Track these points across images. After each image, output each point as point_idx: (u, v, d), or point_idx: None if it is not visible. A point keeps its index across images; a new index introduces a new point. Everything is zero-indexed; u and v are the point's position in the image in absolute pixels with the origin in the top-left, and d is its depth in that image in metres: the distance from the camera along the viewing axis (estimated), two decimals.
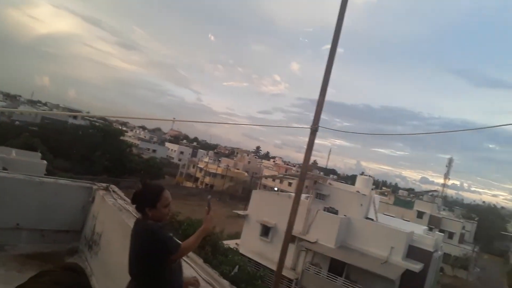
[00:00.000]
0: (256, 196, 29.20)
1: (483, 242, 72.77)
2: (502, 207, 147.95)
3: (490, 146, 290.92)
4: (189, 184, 70.20)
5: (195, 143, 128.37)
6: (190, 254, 3.45)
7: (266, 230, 27.37)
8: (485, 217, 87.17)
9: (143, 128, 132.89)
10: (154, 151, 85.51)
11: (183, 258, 3.36)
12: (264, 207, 27.15)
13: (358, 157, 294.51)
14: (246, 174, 78.58)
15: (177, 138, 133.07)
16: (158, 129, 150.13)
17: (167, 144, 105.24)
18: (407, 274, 23.27)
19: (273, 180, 55.70)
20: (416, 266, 23.49)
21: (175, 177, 73.95)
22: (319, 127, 4.80)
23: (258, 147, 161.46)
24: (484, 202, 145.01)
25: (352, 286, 22.53)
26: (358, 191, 29.18)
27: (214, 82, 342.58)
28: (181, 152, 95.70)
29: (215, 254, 14.77)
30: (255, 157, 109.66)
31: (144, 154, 67.86)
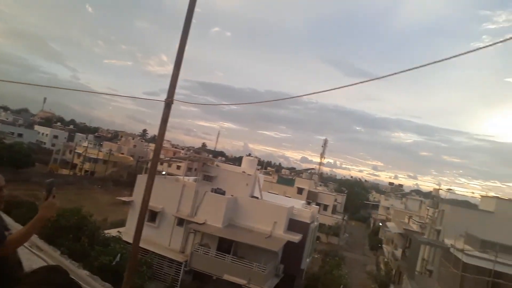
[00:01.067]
0: (142, 181, 27.89)
1: (351, 211, 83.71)
2: (366, 180, 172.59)
3: (357, 128, 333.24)
4: (65, 171, 63.54)
5: (71, 126, 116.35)
6: (44, 246, 3.02)
7: (153, 215, 26.51)
8: (353, 190, 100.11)
9: (5, 108, 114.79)
10: (19, 135, 74.69)
11: (32, 251, 2.92)
12: (152, 192, 26.13)
13: (245, 139, 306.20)
14: (131, 158, 74.74)
15: (49, 121, 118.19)
16: (25, 110, 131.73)
17: (37, 127, 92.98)
18: (289, 245, 25.31)
19: (161, 163, 53.97)
20: (296, 237, 25.67)
21: (47, 165, 66.08)
22: (174, 101, 4.67)
23: (144, 130, 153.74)
24: (352, 177, 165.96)
25: (239, 262, 23.49)
26: (244, 172, 30.23)
27: (93, 59, 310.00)
28: (55, 136, 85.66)
29: (93, 245, 13.65)
30: (142, 141, 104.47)
31: (6, 139, 58.62)
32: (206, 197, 25.96)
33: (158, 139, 4.74)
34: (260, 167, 58.60)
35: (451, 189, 39.08)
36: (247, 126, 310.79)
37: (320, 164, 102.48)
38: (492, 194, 37.56)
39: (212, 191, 27.14)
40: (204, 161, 32.42)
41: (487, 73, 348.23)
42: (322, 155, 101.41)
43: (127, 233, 24.83)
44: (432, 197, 44.92)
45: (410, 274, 24.51)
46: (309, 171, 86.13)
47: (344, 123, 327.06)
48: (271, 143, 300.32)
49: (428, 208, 36.90)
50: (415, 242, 25.96)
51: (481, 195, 32.85)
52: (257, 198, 29.13)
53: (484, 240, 20.14)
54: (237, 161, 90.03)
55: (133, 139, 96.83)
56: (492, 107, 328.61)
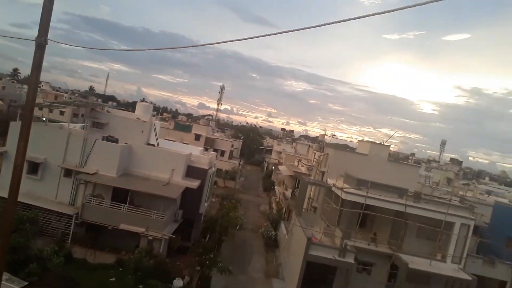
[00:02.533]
0: (17, 128, 24.44)
1: (247, 156, 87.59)
2: (261, 127, 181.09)
3: (253, 75, 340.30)
4: None
5: None
6: None
7: (34, 167, 23.89)
8: (248, 136, 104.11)
9: None
10: None
11: None
12: (31, 141, 23.16)
13: (139, 83, 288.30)
14: (1, 102, 64.57)
15: None
16: None
17: None
18: (187, 191, 25.58)
19: (40, 108, 47.71)
20: (194, 183, 26.02)
21: None
22: (49, 40, 3.88)
23: (16, 69, 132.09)
24: (247, 123, 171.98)
25: (136, 211, 23.02)
26: (138, 118, 28.71)
27: None
28: None
29: None
30: (13, 82, 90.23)
31: None
32: (97, 146, 24.20)
33: (30, 85, 3.94)
34: (155, 113, 56.35)
35: (334, 135, 43.44)
36: (140, 68, 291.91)
37: (217, 110, 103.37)
38: (367, 138, 42.97)
39: (103, 139, 25.40)
40: (92, 106, 29.69)
41: (367, 29, 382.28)
42: (219, 101, 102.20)
43: (3, 188, 22.01)
44: (318, 142, 49.38)
45: (298, 211, 27.21)
46: (206, 118, 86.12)
47: (241, 69, 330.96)
48: (166, 87, 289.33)
49: (314, 152, 40.63)
50: (303, 183, 28.61)
51: (358, 140, 37.38)
52: (153, 145, 28.22)
53: (360, 179, 23.21)
54: (131, 106, 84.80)
55: (1, 79, 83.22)
56: (370, 60, 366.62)
